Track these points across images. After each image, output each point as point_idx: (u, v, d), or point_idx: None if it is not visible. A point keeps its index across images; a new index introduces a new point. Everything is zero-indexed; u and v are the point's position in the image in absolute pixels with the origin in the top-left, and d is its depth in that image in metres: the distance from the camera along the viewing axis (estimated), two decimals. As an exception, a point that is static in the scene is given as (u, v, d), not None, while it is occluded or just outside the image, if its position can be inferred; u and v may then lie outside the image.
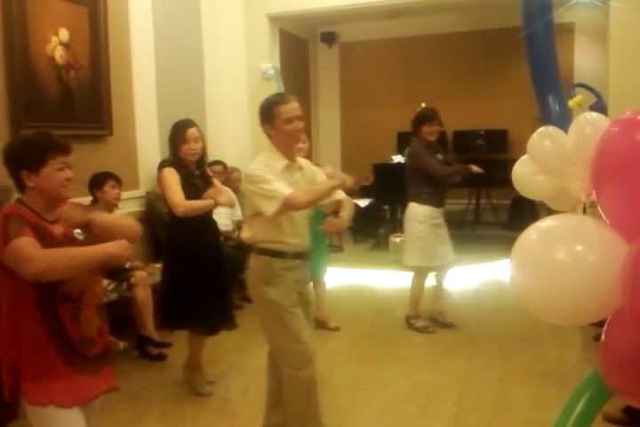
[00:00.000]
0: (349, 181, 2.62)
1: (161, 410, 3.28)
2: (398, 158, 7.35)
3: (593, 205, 2.54)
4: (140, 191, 4.87)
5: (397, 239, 6.53)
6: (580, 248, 1.39)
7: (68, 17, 4.14)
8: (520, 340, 4.14)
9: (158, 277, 3.82)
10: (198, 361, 3.48)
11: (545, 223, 1.52)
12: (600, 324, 1.54)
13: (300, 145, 4.23)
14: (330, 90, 9.60)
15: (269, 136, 2.64)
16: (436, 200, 4.29)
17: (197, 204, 3.23)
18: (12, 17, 3.68)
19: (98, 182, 3.92)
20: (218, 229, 3.61)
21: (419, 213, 4.26)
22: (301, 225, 2.66)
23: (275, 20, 6.51)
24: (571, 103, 5.71)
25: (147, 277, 4.00)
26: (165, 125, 5.24)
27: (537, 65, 3.14)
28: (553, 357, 3.86)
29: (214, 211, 3.47)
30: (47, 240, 1.83)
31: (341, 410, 3.20)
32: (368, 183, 7.57)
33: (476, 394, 3.36)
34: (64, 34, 4.10)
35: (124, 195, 4.64)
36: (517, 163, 3.28)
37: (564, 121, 2.98)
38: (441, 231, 4.35)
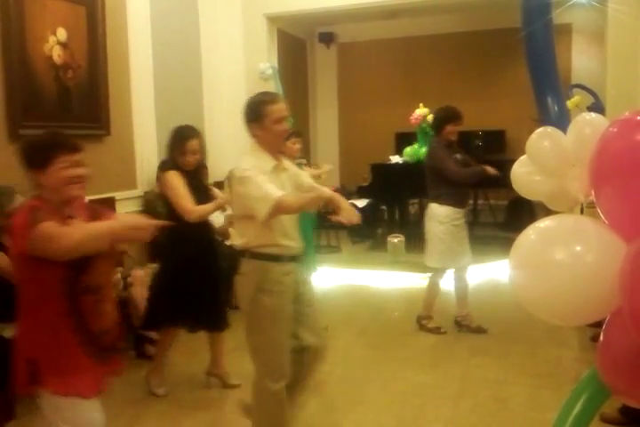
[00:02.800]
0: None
1: (159, 410, 3.27)
2: (396, 159, 7.35)
3: (591, 205, 2.54)
4: (138, 191, 4.87)
5: (395, 240, 6.53)
6: (578, 248, 1.40)
7: (66, 16, 4.13)
8: (517, 341, 4.15)
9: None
10: (161, 361, 3.51)
11: (544, 224, 1.52)
12: (597, 324, 1.54)
13: (297, 146, 4.21)
14: (328, 90, 9.62)
15: (255, 136, 2.58)
16: (457, 200, 4.19)
17: (208, 208, 3.22)
18: (9, 16, 3.67)
19: None
20: (212, 229, 3.60)
21: (439, 214, 4.17)
22: (293, 227, 2.61)
23: (273, 19, 6.51)
24: (568, 104, 5.73)
25: (144, 276, 3.99)
26: (163, 125, 5.26)
27: (536, 65, 3.13)
28: (550, 357, 3.87)
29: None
30: None
31: (339, 411, 3.20)
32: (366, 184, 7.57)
33: (473, 395, 3.36)
34: (62, 33, 4.09)
35: (122, 195, 4.64)
36: (516, 163, 3.28)
37: (562, 122, 2.98)
38: (462, 233, 4.26)
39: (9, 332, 3.15)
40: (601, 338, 1.49)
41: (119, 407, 3.27)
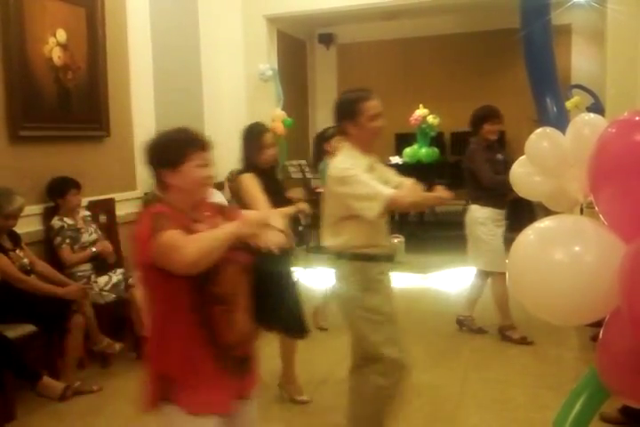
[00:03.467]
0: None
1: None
2: (396, 159, 7.36)
3: (590, 205, 2.55)
4: (138, 192, 4.87)
5: (395, 240, 6.54)
6: (577, 249, 1.40)
7: (66, 18, 4.14)
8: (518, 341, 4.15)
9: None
10: (290, 367, 3.37)
11: (543, 224, 1.53)
12: (597, 324, 1.54)
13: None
14: (327, 91, 9.60)
15: (347, 134, 2.49)
16: (496, 201, 4.08)
17: (285, 212, 3.06)
18: (9, 18, 3.68)
19: (59, 190, 3.85)
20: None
21: (480, 216, 4.05)
22: (384, 226, 2.57)
23: (272, 21, 6.52)
24: (568, 104, 5.74)
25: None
26: (163, 126, 5.23)
27: (534, 66, 3.14)
28: (551, 357, 3.87)
29: None
30: None
31: (339, 411, 3.19)
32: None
33: (474, 395, 3.36)
34: (61, 35, 4.10)
35: (122, 196, 4.65)
36: (515, 164, 3.29)
37: (561, 122, 2.99)
38: (504, 235, 4.10)
39: (12, 333, 3.17)
40: (600, 338, 1.50)
41: (117, 409, 3.27)
